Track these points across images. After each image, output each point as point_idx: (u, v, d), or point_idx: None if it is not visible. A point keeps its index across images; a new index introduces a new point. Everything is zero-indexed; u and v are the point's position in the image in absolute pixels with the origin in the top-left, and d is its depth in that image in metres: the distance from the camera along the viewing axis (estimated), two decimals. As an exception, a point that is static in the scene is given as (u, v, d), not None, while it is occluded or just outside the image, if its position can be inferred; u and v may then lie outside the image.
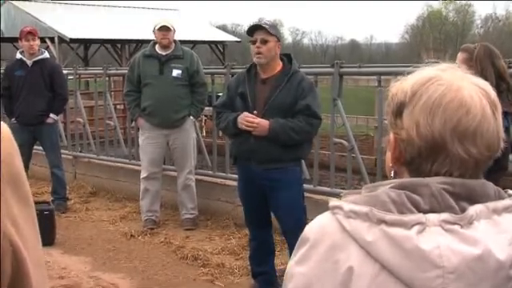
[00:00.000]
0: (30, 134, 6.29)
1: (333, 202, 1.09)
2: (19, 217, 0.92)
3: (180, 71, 5.67)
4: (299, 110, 3.96)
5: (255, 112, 3.99)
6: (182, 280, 4.69)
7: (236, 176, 4.87)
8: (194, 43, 22.06)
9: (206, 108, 6.40)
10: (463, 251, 0.99)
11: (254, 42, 3.99)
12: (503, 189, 1.11)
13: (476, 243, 1.00)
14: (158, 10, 25.15)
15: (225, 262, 4.89)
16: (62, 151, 7.08)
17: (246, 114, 3.98)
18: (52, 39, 20.45)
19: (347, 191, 1.13)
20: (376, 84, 5.39)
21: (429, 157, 1.07)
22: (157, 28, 5.68)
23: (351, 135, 5.50)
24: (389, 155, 1.15)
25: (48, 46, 19.42)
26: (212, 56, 28.85)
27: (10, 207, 0.90)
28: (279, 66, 4.06)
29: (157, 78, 5.66)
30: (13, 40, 17.15)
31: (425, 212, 1.02)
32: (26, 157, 5.99)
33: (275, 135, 3.93)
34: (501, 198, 1.08)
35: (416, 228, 1.00)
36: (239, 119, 3.98)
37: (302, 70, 4.29)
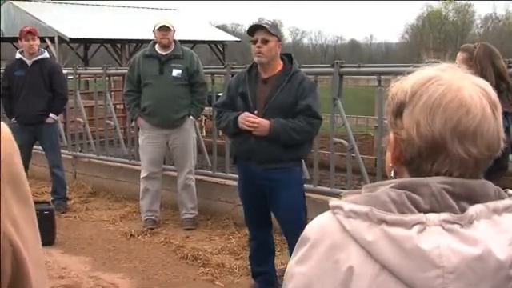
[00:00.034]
0: (30, 134, 6.29)
1: (333, 201, 1.09)
2: (19, 217, 0.92)
3: (180, 71, 5.67)
4: (300, 110, 3.95)
5: (256, 112, 3.98)
6: (182, 280, 4.69)
7: (236, 176, 4.87)
8: (193, 43, 22.05)
9: (206, 108, 6.40)
10: (463, 251, 0.99)
11: (254, 42, 3.99)
12: (503, 189, 1.11)
13: (476, 243, 1.00)
14: (158, 10, 25.14)
15: (225, 262, 4.89)
16: (62, 151, 7.08)
17: (246, 113, 3.97)
18: (52, 39, 20.44)
19: (347, 191, 1.13)
20: (376, 84, 5.39)
21: (429, 157, 1.07)
22: (157, 28, 5.68)
23: (351, 135, 5.50)
24: (389, 155, 1.15)
25: (48, 46, 19.41)
26: (212, 56, 28.85)
27: (9, 207, 0.90)
28: (280, 65, 4.06)
29: (157, 77, 5.66)
30: (13, 40, 17.15)
31: (425, 212, 1.02)
32: (26, 157, 5.99)
33: (276, 135, 3.93)
34: (501, 197, 1.08)
35: (416, 228, 1.00)
36: (240, 119, 3.98)
37: (301, 69, 4.29)
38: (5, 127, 0.93)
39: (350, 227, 1.04)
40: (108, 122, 7.76)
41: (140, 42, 20.98)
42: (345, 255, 1.04)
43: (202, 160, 6.76)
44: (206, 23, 31.31)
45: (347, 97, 6.15)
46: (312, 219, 1.15)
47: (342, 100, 5.48)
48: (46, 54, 6.48)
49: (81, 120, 8.17)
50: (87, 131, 8.07)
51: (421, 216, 1.01)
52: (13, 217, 0.90)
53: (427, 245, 0.99)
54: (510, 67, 3.97)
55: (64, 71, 7.22)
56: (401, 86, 1.11)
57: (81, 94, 8.93)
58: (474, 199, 1.05)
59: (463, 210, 1.03)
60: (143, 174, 5.90)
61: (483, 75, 3.10)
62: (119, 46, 23.54)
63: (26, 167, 5.64)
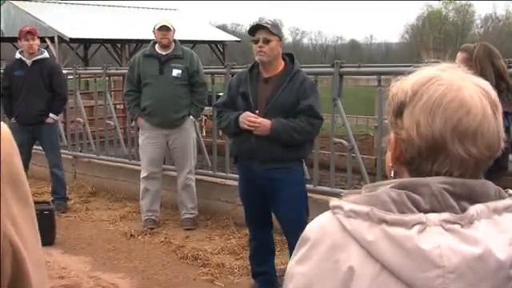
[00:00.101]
0: (30, 134, 6.29)
1: (333, 201, 1.09)
2: (19, 217, 0.92)
3: (180, 71, 5.67)
4: (301, 110, 3.95)
5: (257, 111, 3.98)
6: (182, 280, 4.69)
7: (236, 176, 4.87)
8: (193, 43, 22.06)
9: (206, 108, 6.40)
10: (463, 251, 0.99)
11: (256, 42, 3.98)
12: (503, 188, 1.11)
13: (476, 243, 1.00)
14: (158, 10, 25.15)
15: (225, 262, 4.89)
16: (62, 151, 7.08)
17: (247, 113, 3.97)
18: (52, 39, 20.44)
19: (347, 191, 1.13)
20: (376, 84, 5.39)
21: (429, 157, 1.07)
22: (157, 28, 5.68)
23: (351, 135, 5.50)
24: (389, 155, 1.15)
25: (48, 46, 19.41)
26: (212, 56, 28.85)
27: (9, 207, 0.90)
28: (281, 65, 4.06)
29: (157, 77, 5.66)
30: (13, 40, 17.15)
31: (425, 212, 1.02)
32: (26, 156, 5.99)
33: (277, 135, 3.93)
34: (501, 197, 1.08)
35: (417, 228, 1.00)
36: (241, 118, 3.98)
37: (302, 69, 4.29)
38: (5, 127, 0.93)
39: (350, 227, 1.04)
40: (108, 121, 7.76)
41: (140, 42, 20.98)
42: (345, 255, 1.04)
43: (202, 160, 6.76)
44: (206, 23, 31.32)
45: (347, 97, 6.15)
46: (312, 219, 1.15)
47: (342, 100, 5.48)
48: (46, 54, 6.48)
49: (81, 120, 8.17)
50: (87, 131, 8.07)
51: (421, 216, 1.01)
52: (13, 217, 0.90)
53: (427, 245, 0.99)
54: (509, 67, 3.97)
55: (64, 71, 7.22)
56: (401, 86, 1.11)
57: (81, 93, 8.93)
58: (474, 199, 1.05)
59: (464, 210, 1.03)
60: (143, 174, 5.90)
61: (483, 75, 3.09)
62: (119, 45, 23.54)
63: (26, 167, 5.65)
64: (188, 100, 5.75)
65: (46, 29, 19.75)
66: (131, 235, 5.68)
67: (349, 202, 1.06)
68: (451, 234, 1.00)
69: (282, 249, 4.83)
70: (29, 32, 6.23)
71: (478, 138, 1.05)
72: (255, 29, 4.02)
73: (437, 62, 1.13)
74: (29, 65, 6.26)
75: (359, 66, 5.56)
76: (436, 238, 0.99)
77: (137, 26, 20.12)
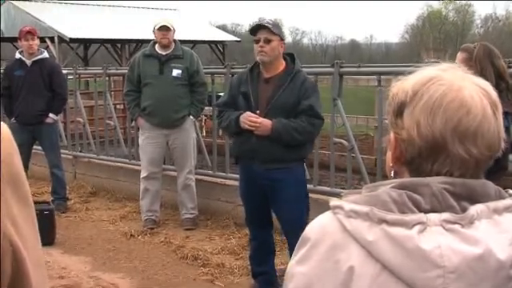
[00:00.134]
0: (30, 134, 6.29)
1: (334, 201, 1.09)
2: (19, 217, 0.92)
3: (180, 71, 5.67)
4: (302, 110, 3.95)
5: (258, 111, 3.97)
6: (182, 280, 4.69)
7: (236, 176, 4.87)
8: (193, 43, 22.06)
9: (206, 108, 6.40)
10: (464, 251, 0.99)
11: (257, 42, 3.98)
12: (503, 188, 1.11)
13: (477, 243, 1.00)
14: (158, 10, 25.15)
15: (225, 262, 4.89)
16: (62, 151, 7.08)
17: (248, 113, 3.96)
18: (52, 39, 20.44)
19: (348, 191, 1.13)
20: (376, 84, 5.39)
21: (429, 157, 1.07)
22: (157, 28, 5.68)
23: (351, 135, 5.50)
24: (389, 155, 1.15)
25: (48, 46, 19.42)
26: (212, 56, 28.85)
27: (9, 207, 0.90)
28: (282, 65, 4.05)
29: (157, 77, 5.66)
30: (13, 40, 17.15)
31: (426, 212, 1.02)
32: (26, 157, 5.99)
33: (278, 135, 3.92)
34: (501, 197, 1.08)
35: (417, 228, 1.00)
36: (242, 118, 3.97)
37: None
38: (5, 127, 0.93)
39: (350, 227, 1.04)
40: (108, 121, 7.76)
41: (140, 42, 20.98)
42: (345, 255, 1.03)
43: (202, 160, 6.76)
44: (206, 23, 31.32)
45: (347, 97, 6.15)
46: (312, 219, 1.15)
47: (342, 100, 5.48)
48: (46, 54, 6.48)
49: (81, 120, 8.17)
50: (87, 131, 8.07)
51: (421, 216, 1.01)
52: (13, 217, 0.90)
53: (428, 245, 0.99)
54: (509, 67, 3.97)
55: (64, 71, 7.22)
56: (402, 86, 1.11)
57: (81, 94, 8.93)
58: (474, 199, 1.05)
59: (464, 210, 1.03)
60: (143, 174, 5.89)
61: (483, 75, 3.09)
62: (119, 45, 23.54)
63: (26, 167, 5.65)
64: (188, 100, 5.75)
65: (46, 29, 19.75)
66: (131, 235, 5.68)
67: (349, 201, 1.06)
68: (452, 234, 1.00)
69: (281, 249, 4.83)
70: (28, 32, 6.23)
71: (479, 138, 1.05)
72: (256, 29, 4.02)
73: (437, 62, 1.13)
74: (29, 65, 6.26)
75: (359, 66, 5.56)
76: (436, 238, 0.99)
77: (137, 26, 20.13)
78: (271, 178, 3.98)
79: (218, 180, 6.25)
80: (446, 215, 1.01)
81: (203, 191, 6.09)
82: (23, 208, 0.93)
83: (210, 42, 25.40)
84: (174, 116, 5.71)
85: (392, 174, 1.16)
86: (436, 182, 1.04)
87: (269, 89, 4.00)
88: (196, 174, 6.10)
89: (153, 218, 5.88)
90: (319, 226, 1.09)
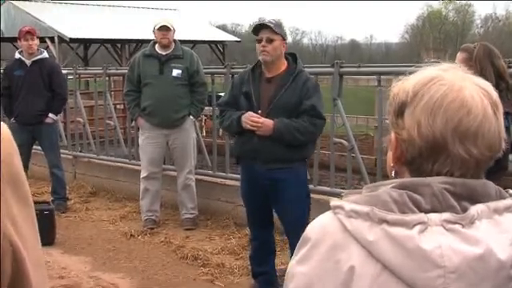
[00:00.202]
0: (29, 134, 6.28)
1: (334, 201, 1.09)
2: (19, 217, 0.91)
3: (180, 71, 5.67)
4: (304, 110, 3.94)
5: (260, 111, 3.96)
6: (182, 280, 4.69)
7: (236, 176, 4.87)
8: (193, 43, 22.05)
9: (206, 108, 6.40)
10: (464, 251, 0.99)
11: (259, 41, 3.97)
12: (504, 188, 1.11)
13: (477, 243, 1.00)
14: (158, 10, 25.15)
15: (225, 262, 4.89)
16: (62, 151, 7.08)
17: (250, 113, 3.96)
18: (52, 39, 20.43)
19: (348, 191, 1.13)
20: (376, 84, 5.39)
21: (430, 157, 1.07)
22: (157, 28, 5.68)
23: (351, 135, 5.50)
24: (390, 155, 1.15)
25: (48, 46, 19.42)
26: (212, 56, 28.84)
27: (9, 207, 0.90)
28: (284, 65, 4.05)
29: (157, 77, 5.66)
30: (13, 40, 17.16)
31: (426, 212, 1.02)
32: (26, 157, 5.99)
33: (280, 135, 3.92)
34: (502, 197, 1.08)
35: (417, 228, 1.00)
36: (243, 118, 3.97)
37: (302, 69, 4.28)
38: (5, 127, 0.93)
39: (351, 227, 1.04)
40: (108, 121, 7.76)
41: (140, 42, 20.97)
42: (346, 255, 1.03)
43: (202, 160, 6.77)
44: (206, 23, 31.31)
45: (347, 97, 6.15)
46: (312, 219, 1.15)
47: (342, 100, 5.48)
48: (46, 54, 6.48)
49: (81, 120, 8.17)
50: (87, 131, 8.07)
51: (422, 216, 1.01)
52: (12, 217, 0.90)
53: (428, 245, 0.99)
54: (509, 67, 3.97)
55: (64, 71, 7.22)
56: (402, 86, 1.11)
57: (81, 94, 8.93)
58: (475, 199, 1.05)
59: (464, 210, 1.03)
60: (143, 174, 5.90)
61: (483, 75, 3.09)
62: (119, 46, 23.54)
63: (26, 167, 5.65)
64: (188, 100, 5.75)
65: (46, 29, 19.74)
66: (131, 235, 5.68)
67: (350, 202, 1.06)
68: (452, 234, 1.00)
69: (282, 249, 4.83)
70: (28, 32, 6.23)
71: (479, 139, 1.05)
72: (259, 28, 4.01)
73: (437, 62, 1.13)
74: (28, 65, 6.26)
75: (359, 66, 5.56)
76: (437, 238, 0.99)
77: (137, 26, 20.12)
78: (273, 177, 3.97)
79: (218, 180, 6.25)
80: (446, 215, 1.01)
81: (203, 191, 6.09)
82: (23, 208, 0.93)
83: (210, 42, 25.39)
84: (174, 116, 5.71)
85: (393, 174, 1.16)
86: (436, 182, 1.04)
87: (271, 88, 4.00)
88: (196, 174, 6.10)
89: (153, 218, 5.88)
90: (320, 226, 1.09)
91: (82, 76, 9.99)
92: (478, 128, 1.04)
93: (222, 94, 5.07)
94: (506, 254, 1.00)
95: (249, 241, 4.59)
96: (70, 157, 7.86)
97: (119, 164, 7.38)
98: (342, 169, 6.07)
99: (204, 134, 9.78)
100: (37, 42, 6.35)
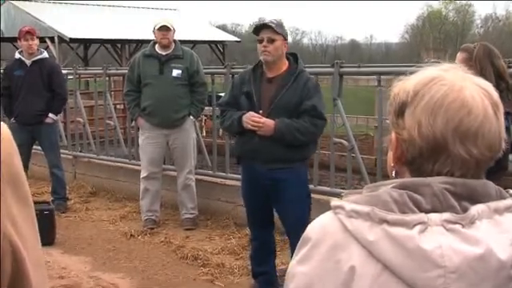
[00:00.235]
0: (29, 134, 6.28)
1: (334, 201, 1.08)
2: (18, 217, 0.91)
3: (180, 71, 5.67)
4: (305, 110, 3.94)
5: (261, 111, 3.96)
6: (182, 280, 4.69)
7: (236, 176, 4.87)
8: (193, 43, 22.05)
9: (206, 108, 6.40)
10: (465, 251, 0.99)
11: (260, 41, 3.97)
12: (504, 188, 1.11)
13: (478, 243, 1.00)
14: (158, 10, 25.16)
15: (225, 262, 4.89)
16: (62, 151, 7.08)
17: (251, 113, 3.95)
18: (52, 39, 20.44)
19: (348, 191, 1.13)
20: (376, 84, 5.39)
21: (430, 157, 1.07)
22: (157, 28, 5.68)
23: (351, 135, 5.50)
24: (390, 155, 1.15)
25: (48, 46, 19.42)
26: (212, 56, 28.85)
27: (9, 207, 0.90)
28: (285, 65, 4.05)
29: (157, 77, 5.66)
30: (13, 40, 17.16)
31: (426, 212, 1.02)
32: (25, 157, 5.99)
33: (281, 135, 3.92)
34: (502, 197, 1.08)
35: (418, 228, 1.00)
36: (244, 118, 3.96)
37: (302, 69, 4.28)
38: (5, 127, 0.93)
39: (351, 227, 1.04)
40: (108, 122, 7.76)
41: (140, 42, 20.97)
42: (346, 255, 1.03)
43: (202, 160, 6.77)
44: (206, 23, 31.32)
45: (347, 97, 6.15)
46: (313, 219, 1.14)
47: (342, 100, 5.48)
48: (46, 54, 6.48)
49: (81, 120, 8.17)
50: (87, 131, 8.07)
51: (422, 216, 1.01)
52: (12, 217, 0.90)
53: (429, 245, 0.99)
54: (509, 67, 3.97)
55: (64, 71, 7.22)
56: (403, 86, 1.11)
57: (81, 93, 8.93)
58: (475, 199, 1.05)
59: (465, 210, 1.03)
60: (143, 174, 5.89)
61: (483, 75, 3.09)
62: (119, 46, 23.54)
63: (26, 167, 5.65)
64: (188, 100, 5.75)
65: (46, 29, 19.74)
66: (131, 235, 5.68)
67: (350, 202, 1.06)
68: (452, 234, 1.00)
69: (282, 249, 4.83)
70: (28, 32, 6.22)
71: (479, 139, 1.05)
72: (260, 28, 4.01)
73: (437, 62, 1.13)
74: (28, 65, 6.26)
75: (359, 66, 5.56)
76: (437, 238, 0.99)
77: (137, 25, 20.13)
78: (274, 177, 3.97)
79: (218, 180, 6.25)
80: (446, 215, 1.01)
81: (203, 191, 6.08)
82: (23, 208, 0.93)
83: (210, 42, 25.40)
84: (174, 116, 5.71)
85: (393, 174, 1.16)
86: (437, 182, 1.04)
87: (272, 88, 4.00)
88: (196, 173, 6.10)
89: (153, 217, 5.88)
90: (320, 226, 1.09)
91: (82, 76, 9.99)
92: (478, 128, 1.04)
93: (222, 94, 5.07)
94: (506, 253, 1.00)
95: (249, 241, 4.59)
96: (70, 157, 7.86)
97: (119, 164, 7.37)
98: (342, 169, 6.07)
99: (204, 133, 9.78)
100: (37, 42, 6.34)
